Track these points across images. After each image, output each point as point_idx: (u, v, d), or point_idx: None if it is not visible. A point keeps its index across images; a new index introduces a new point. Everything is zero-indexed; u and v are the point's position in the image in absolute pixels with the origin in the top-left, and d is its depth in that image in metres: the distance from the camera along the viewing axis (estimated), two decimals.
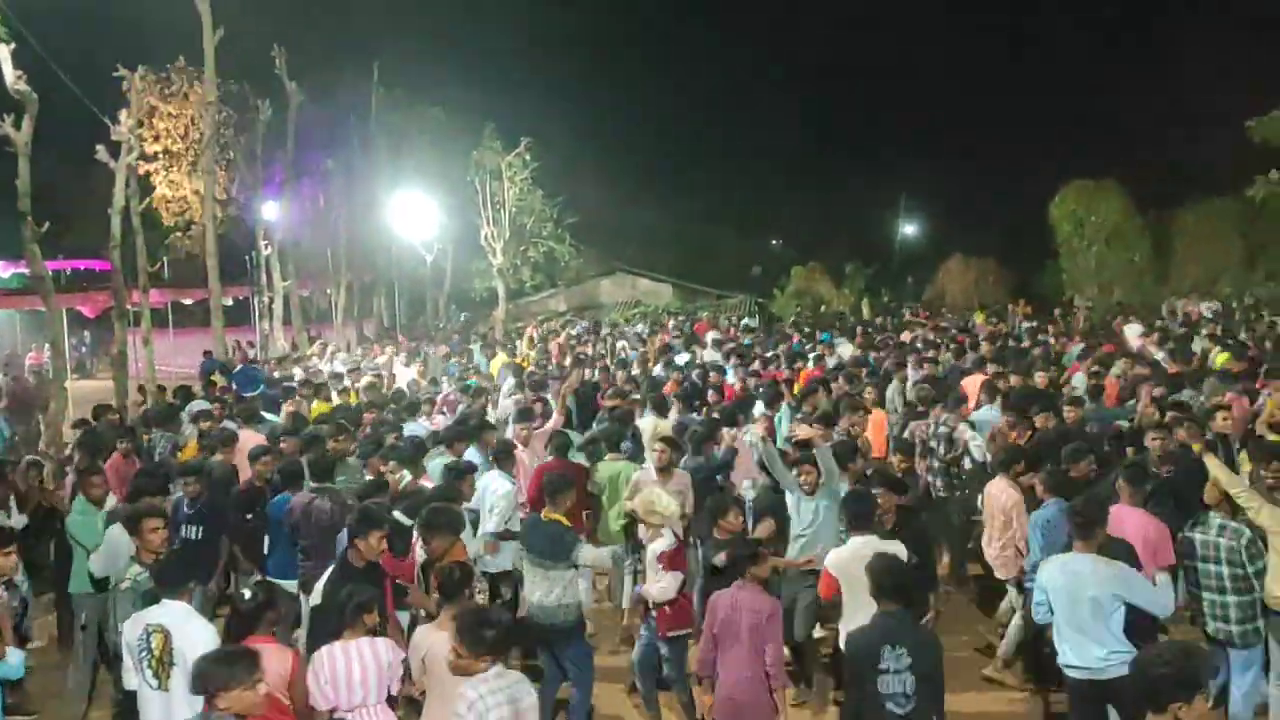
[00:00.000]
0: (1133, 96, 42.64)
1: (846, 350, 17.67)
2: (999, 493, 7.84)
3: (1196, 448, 7.80)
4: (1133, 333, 18.24)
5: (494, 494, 8.16)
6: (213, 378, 16.90)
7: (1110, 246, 32.78)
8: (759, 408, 10.91)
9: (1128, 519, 6.60)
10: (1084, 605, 5.64)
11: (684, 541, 7.25)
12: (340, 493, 7.90)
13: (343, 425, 9.89)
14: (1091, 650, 5.63)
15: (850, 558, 6.19)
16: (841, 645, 6.24)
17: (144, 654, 5.12)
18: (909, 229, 46.83)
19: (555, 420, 10.70)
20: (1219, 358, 13.78)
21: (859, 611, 5.73)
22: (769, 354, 17.66)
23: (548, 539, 6.79)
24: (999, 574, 7.92)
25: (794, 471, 7.58)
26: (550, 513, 6.93)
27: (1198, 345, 15.63)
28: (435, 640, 5.34)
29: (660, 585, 6.79)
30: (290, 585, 7.52)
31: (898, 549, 6.17)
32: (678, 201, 48.18)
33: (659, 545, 6.94)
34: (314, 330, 30.24)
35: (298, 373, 17.36)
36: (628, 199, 42.38)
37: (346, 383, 15.59)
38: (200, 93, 24.46)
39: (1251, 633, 6.26)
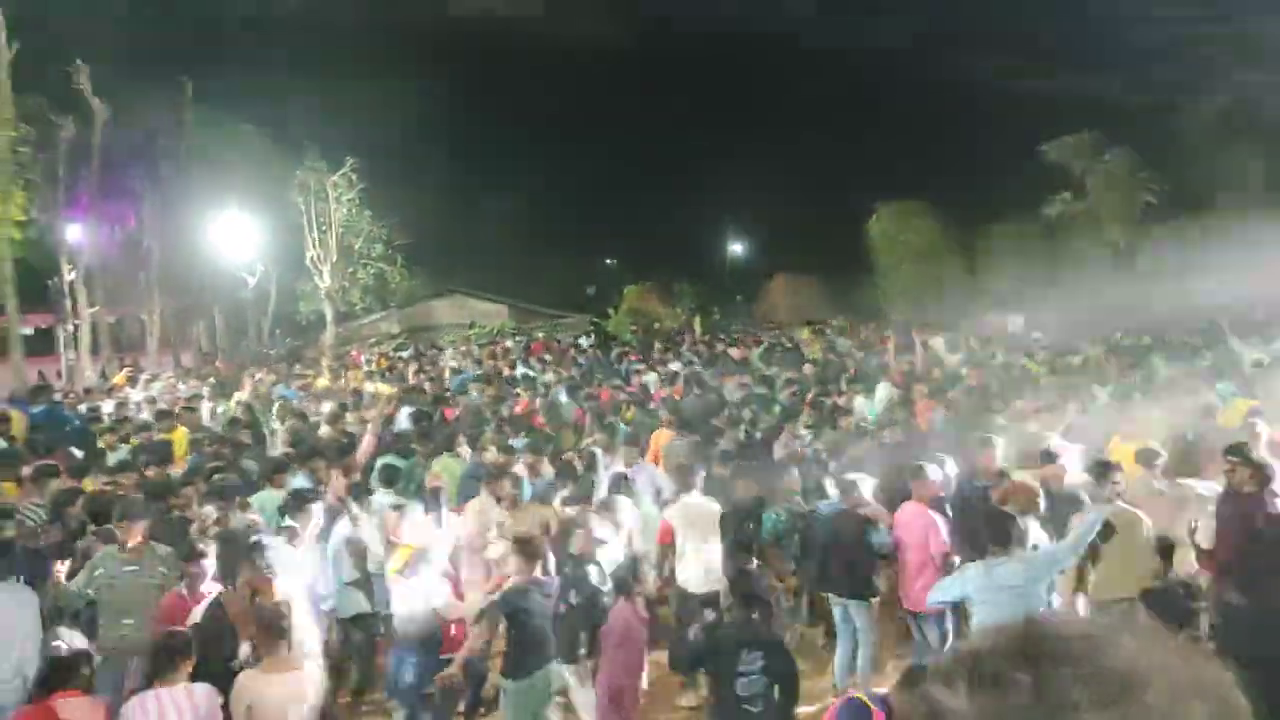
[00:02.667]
0: (941, 121, 45.23)
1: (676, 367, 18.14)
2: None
3: None
4: (939, 345, 19.28)
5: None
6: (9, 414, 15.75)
7: (922, 264, 34.59)
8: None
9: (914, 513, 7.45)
10: (1006, 598, 5.82)
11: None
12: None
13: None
14: None
15: (683, 509, 7.91)
16: (680, 582, 7.77)
17: None
18: (737, 247, 48.10)
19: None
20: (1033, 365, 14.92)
21: (690, 555, 7.61)
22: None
23: None
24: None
25: None
26: None
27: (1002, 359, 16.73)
28: (261, 686, 5.17)
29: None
30: None
31: (715, 506, 7.93)
32: (511, 222, 48.02)
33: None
34: (128, 359, 28.65)
35: (107, 405, 16.44)
36: (461, 219, 42.00)
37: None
38: None
39: None
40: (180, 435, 12.41)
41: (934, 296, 34.39)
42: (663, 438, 10.89)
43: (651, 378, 17.24)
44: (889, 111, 49.80)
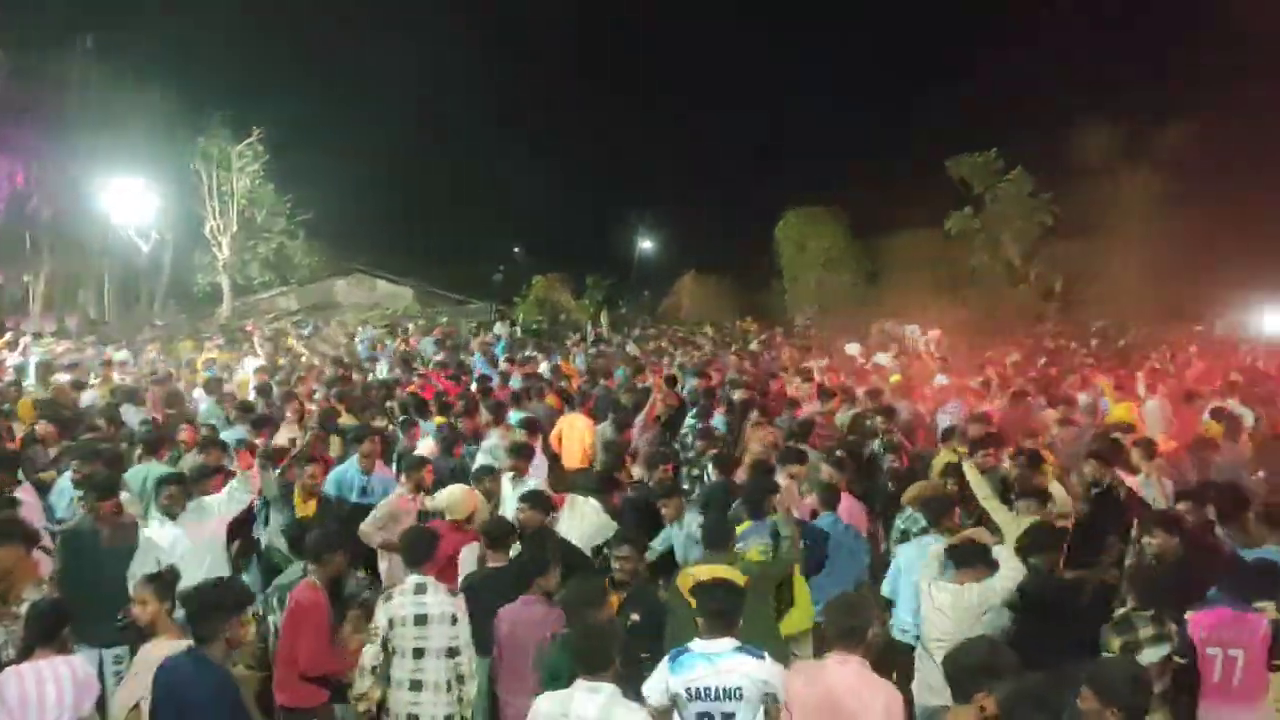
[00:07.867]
0: (849, 128, 46.20)
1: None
2: None
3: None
4: (853, 350, 19.70)
5: None
6: None
7: (828, 269, 35.23)
8: None
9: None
10: None
11: None
12: None
13: None
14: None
15: None
16: None
17: None
18: (647, 244, 48.23)
19: None
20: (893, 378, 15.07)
21: None
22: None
23: None
24: None
25: None
26: None
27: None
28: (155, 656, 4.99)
29: None
30: None
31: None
32: (419, 204, 47.46)
33: None
34: (9, 323, 27.42)
35: None
36: (366, 198, 41.13)
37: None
38: None
39: None
40: (25, 404, 11.95)
41: (837, 302, 35.08)
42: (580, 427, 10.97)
43: (544, 367, 17.30)
44: (801, 113, 50.75)
